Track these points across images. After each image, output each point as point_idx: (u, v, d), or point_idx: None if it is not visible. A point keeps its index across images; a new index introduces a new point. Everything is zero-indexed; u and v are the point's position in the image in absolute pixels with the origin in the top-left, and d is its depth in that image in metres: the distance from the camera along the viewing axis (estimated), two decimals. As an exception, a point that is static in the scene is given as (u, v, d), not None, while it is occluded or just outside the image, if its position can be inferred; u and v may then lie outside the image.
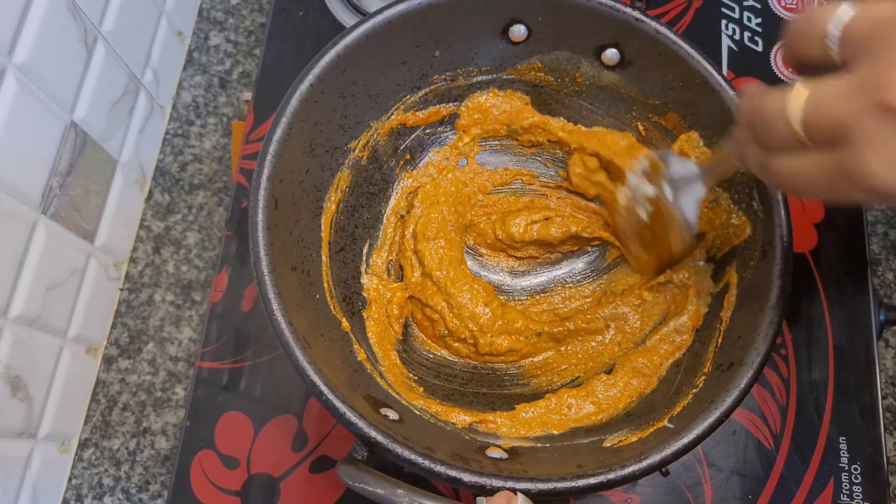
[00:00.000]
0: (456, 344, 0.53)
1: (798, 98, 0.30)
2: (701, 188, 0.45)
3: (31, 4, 0.50)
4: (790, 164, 0.32)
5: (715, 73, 0.49)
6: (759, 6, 0.69)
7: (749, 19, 0.68)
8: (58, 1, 0.53)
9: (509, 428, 0.48)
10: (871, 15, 0.29)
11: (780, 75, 0.66)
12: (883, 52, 0.28)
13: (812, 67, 0.32)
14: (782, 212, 0.46)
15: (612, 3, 0.50)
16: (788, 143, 0.31)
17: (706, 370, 0.47)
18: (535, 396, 0.52)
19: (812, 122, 0.30)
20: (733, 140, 0.38)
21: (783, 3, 0.69)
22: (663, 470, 0.44)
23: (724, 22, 0.68)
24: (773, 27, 0.68)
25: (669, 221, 0.47)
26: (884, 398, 0.59)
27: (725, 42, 0.67)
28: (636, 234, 0.52)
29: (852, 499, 0.54)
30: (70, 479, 0.60)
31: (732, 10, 0.69)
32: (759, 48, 0.67)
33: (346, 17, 0.67)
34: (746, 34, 0.68)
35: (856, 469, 0.54)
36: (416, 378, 0.51)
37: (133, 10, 0.63)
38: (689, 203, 0.45)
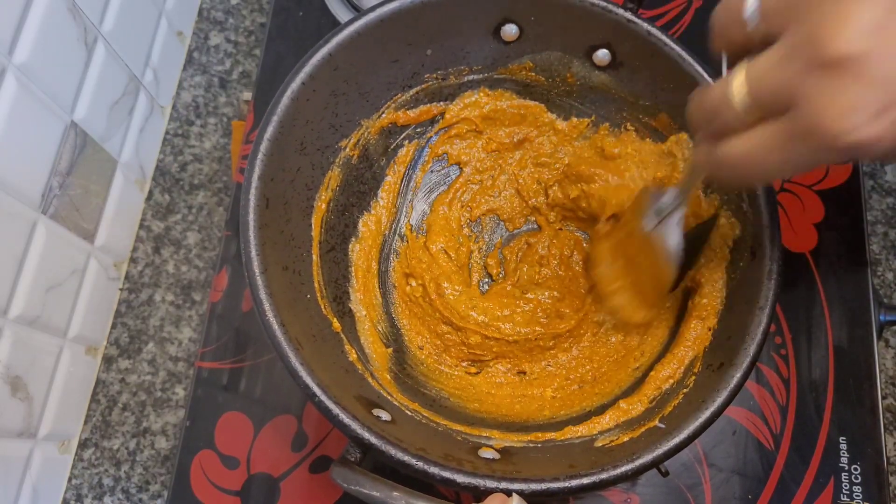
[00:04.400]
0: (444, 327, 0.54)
1: (738, 78, 0.31)
2: (680, 210, 0.46)
3: (31, 4, 0.50)
4: (744, 141, 0.32)
5: (706, 75, 0.49)
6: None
7: (749, 19, 0.68)
8: (58, 1, 0.53)
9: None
10: None
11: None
12: (804, 14, 0.29)
13: (741, 55, 0.33)
14: (771, 212, 0.46)
15: (604, 4, 0.50)
16: (739, 124, 0.32)
17: (696, 370, 0.47)
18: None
19: (757, 93, 0.31)
20: (695, 150, 0.39)
21: (783, 3, 0.69)
22: (663, 470, 0.44)
23: (724, 21, 0.68)
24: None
25: (657, 254, 0.48)
26: (884, 398, 0.59)
27: (725, 42, 0.67)
28: (624, 276, 0.52)
29: (852, 499, 0.53)
30: (70, 479, 0.60)
31: (732, 9, 0.68)
32: (760, 48, 0.67)
33: (345, 16, 0.67)
34: (746, 34, 0.68)
35: (856, 469, 0.54)
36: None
37: (133, 10, 0.63)
38: (672, 229, 0.46)
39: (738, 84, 0.31)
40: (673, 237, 0.46)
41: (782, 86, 0.30)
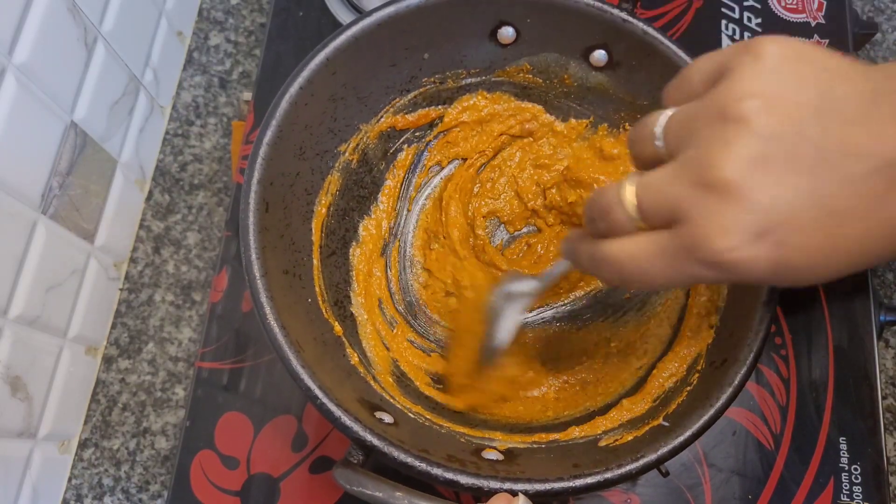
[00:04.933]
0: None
1: (631, 186, 0.33)
2: (527, 300, 0.48)
3: (31, 4, 0.50)
4: (629, 243, 0.34)
5: None
6: (759, 6, 0.69)
7: (749, 19, 0.68)
8: (58, 1, 0.53)
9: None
10: (683, 113, 0.32)
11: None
12: (696, 139, 0.31)
13: (652, 166, 0.34)
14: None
15: (600, 5, 0.50)
16: (626, 229, 0.34)
17: (700, 367, 0.47)
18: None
19: (644, 205, 0.32)
20: (566, 241, 0.40)
21: (783, 4, 0.69)
22: (663, 470, 0.44)
23: (724, 22, 0.68)
24: (773, 27, 0.68)
25: (486, 333, 0.49)
26: (884, 398, 0.59)
27: (725, 42, 0.67)
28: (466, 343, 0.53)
29: (852, 499, 0.53)
30: (70, 479, 0.60)
31: (732, 10, 0.69)
32: (759, 48, 0.67)
33: (346, 17, 0.67)
34: (746, 34, 0.68)
35: (856, 469, 0.54)
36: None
37: (133, 10, 0.63)
38: (513, 312, 0.48)
39: (629, 192, 0.33)
40: (506, 323, 0.48)
41: (668, 200, 0.31)
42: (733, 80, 0.30)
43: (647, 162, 0.35)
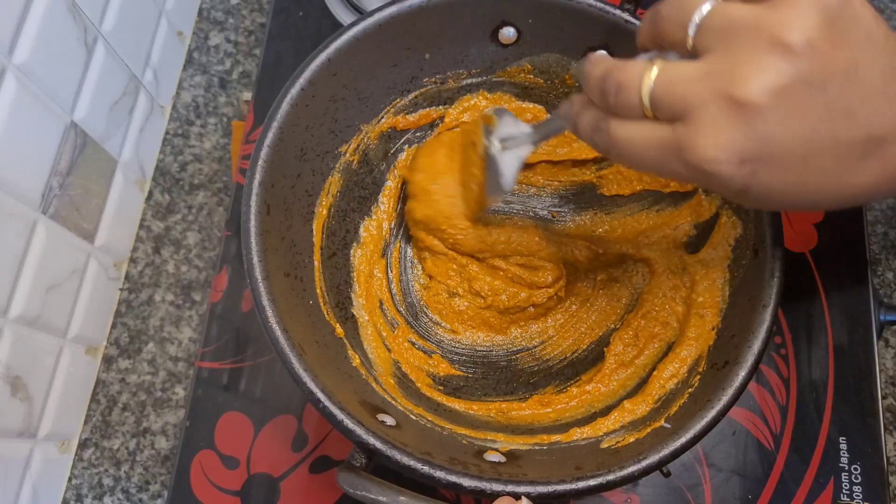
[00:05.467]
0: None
1: (653, 72, 0.33)
2: (527, 148, 0.47)
3: (31, 4, 0.50)
4: (629, 130, 0.34)
5: None
6: (759, 6, 0.69)
7: (749, 19, 0.68)
8: (58, 1, 0.53)
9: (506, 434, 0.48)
10: (727, 11, 0.32)
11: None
12: (735, 48, 0.31)
13: (662, 48, 0.35)
14: (773, 211, 0.46)
15: (601, 6, 0.50)
16: (632, 112, 0.34)
17: (701, 369, 0.47)
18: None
19: (659, 96, 0.32)
20: (568, 103, 0.39)
21: (783, 3, 0.69)
22: (665, 471, 0.44)
23: (724, 22, 0.68)
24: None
25: (488, 174, 0.49)
26: (884, 398, 0.59)
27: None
28: (462, 180, 0.53)
29: (852, 499, 0.54)
30: (70, 479, 0.60)
31: (732, 9, 0.69)
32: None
33: (346, 17, 0.67)
34: (746, 34, 0.68)
35: (856, 469, 0.54)
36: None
37: (133, 10, 0.63)
38: (511, 160, 0.47)
39: (650, 79, 0.33)
40: (509, 169, 0.47)
41: (684, 99, 0.32)
42: (796, 8, 0.30)
43: (663, 41, 0.35)
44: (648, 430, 0.44)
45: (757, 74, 0.30)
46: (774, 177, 0.32)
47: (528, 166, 0.59)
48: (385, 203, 0.57)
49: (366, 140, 0.54)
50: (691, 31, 0.33)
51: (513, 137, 0.47)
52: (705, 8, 0.33)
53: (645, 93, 0.33)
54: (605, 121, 0.35)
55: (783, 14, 0.30)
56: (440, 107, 0.57)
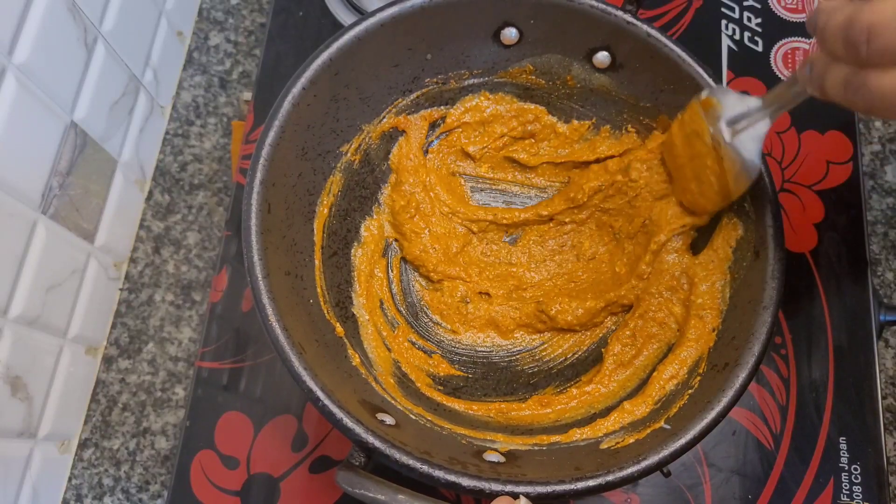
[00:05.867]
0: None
1: None
2: (765, 123, 0.42)
3: (31, 4, 0.50)
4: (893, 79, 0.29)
5: (706, 76, 0.49)
6: (759, 6, 0.69)
7: (749, 19, 0.68)
8: (58, 1, 0.53)
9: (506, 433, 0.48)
10: None
11: (779, 75, 0.66)
12: None
13: None
14: (774, 212, 0.46)
15: (604, 6, 0.50)
16: (891, 58, 0.29)
17: (701, 370, 0.47)
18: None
19: None
20: (807, 64, 0.35)
21: (783, 4, 0.69)
22: (665, 471, 0.44)
23: (724, 22, 0.68)
24: (773, 27, 0.68)
25: (728, 163, 0.45)
26: (884, 398, 0.59)
27: (725, 42, 0.67)
28: (695, 175, 0.49)
29: (852, 499, 0.54)
30: (70, 479, 0.60)
31: (732, 10, 0.69)
32: (760, 48, 0.67)
33: (346, 17, 0.67)
34: (746, 34, 0.68)
35: (856, 469, 0.54)
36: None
37: (133, 10, 0.63)
38: (750, 141, 0.43)
39: None
40: (750, 153, 0.43)
41: None
42: None
43: None
44: (648, 431, 0.44)
45: None
46: None
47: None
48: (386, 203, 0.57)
49: (367, 140, 0.54)
50: None
51: (744, 116, 0.43)
52: None
53: None
54: (859, 75, 0.30)
55: None
56: (442, 107, 0.57)
